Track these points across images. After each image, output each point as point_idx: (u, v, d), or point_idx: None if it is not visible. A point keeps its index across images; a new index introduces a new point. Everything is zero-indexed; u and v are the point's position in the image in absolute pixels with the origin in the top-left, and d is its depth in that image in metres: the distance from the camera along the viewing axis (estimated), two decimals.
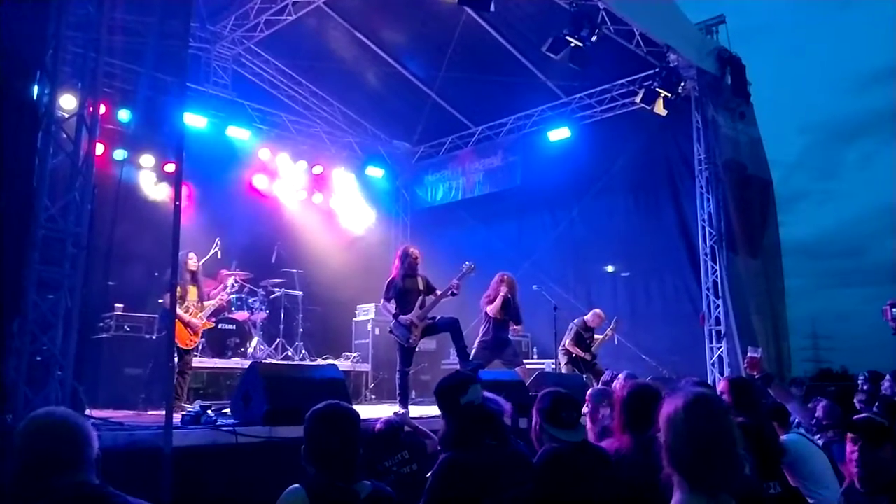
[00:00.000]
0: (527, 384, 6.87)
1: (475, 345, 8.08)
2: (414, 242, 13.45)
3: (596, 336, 9.08)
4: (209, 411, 5.72)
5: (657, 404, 3.27)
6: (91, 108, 4.34)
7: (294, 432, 4.41)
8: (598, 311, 9.19)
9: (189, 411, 4.77)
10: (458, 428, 2.61)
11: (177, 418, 4.63)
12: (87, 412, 4.45)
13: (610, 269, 10.72)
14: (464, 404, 2.61)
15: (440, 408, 2.75)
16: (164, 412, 5.12)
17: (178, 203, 4.24)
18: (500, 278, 8.15)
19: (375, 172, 13.18)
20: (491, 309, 7.91)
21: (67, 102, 4.54)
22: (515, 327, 8.30)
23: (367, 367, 9.97)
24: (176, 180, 4.33)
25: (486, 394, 4.29)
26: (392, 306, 7.18)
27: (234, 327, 8.84)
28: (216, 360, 8.38)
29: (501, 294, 7.91)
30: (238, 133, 11.07)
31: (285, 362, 8.54)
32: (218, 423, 4.52)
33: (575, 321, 9.14)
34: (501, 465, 2.49)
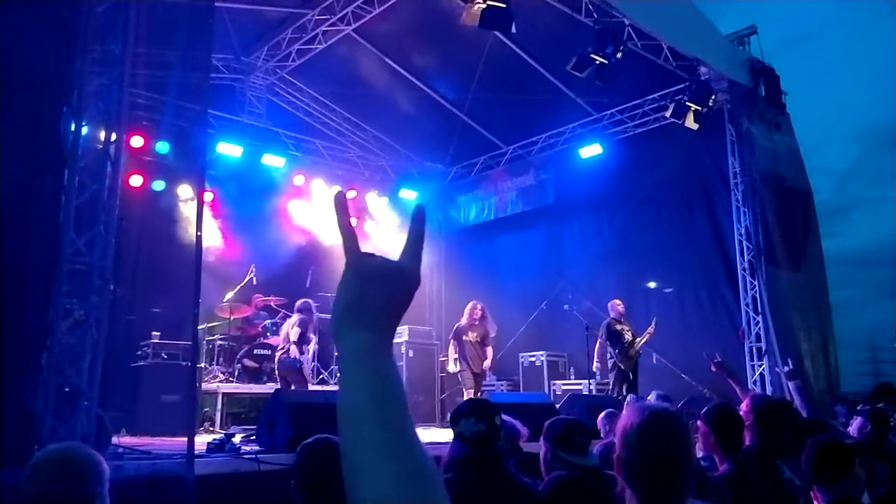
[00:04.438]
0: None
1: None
2: (448, 263, 13.55)
3: (629, 333, 8.86)
4: (240, 437, 5.80)
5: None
6: (115, 143, 4.47)
7: None
8: (614, 300, 9.06)
9: (214, 439, 4.82)
10: (454, 453, 2.61)
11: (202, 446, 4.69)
12: (115, 440, 4.54)
13: (652, 285, 10.51)
14: (456, 434, 2.62)
15: None
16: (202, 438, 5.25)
17: (199, 234, 4.32)
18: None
19: (409, 195, 13.25)
20: None
21: (93, 137, 4.69)
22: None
23: None
24: (198, 211, 4.42)
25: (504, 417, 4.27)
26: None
27: (270, 352, 8.93)
28: (251, 385, 8.47)
29: None
30: (273, 161, 11.27)
31: (317, 388, 8.52)
32: (241, 451, 4.56)
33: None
34: (497, 492, 2.46)
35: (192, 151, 9.80)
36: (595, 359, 8.77)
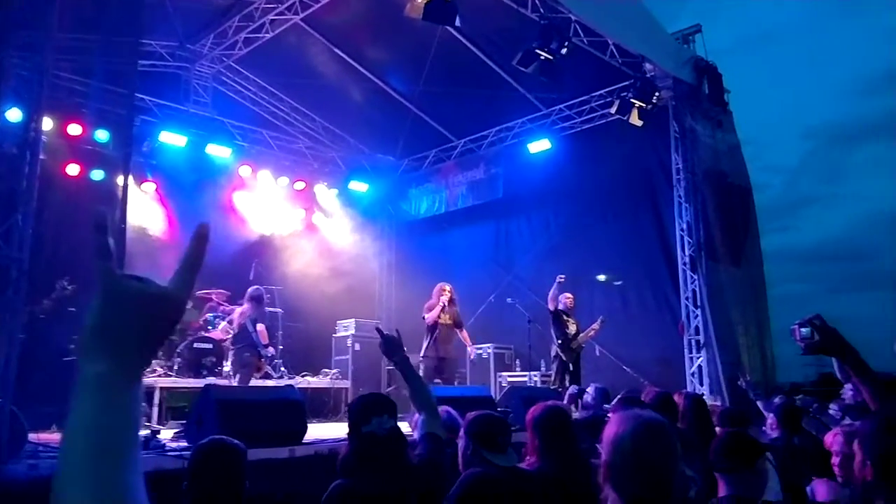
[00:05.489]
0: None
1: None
2: (398, 255, 13.52)
3: (573, 326, 8.98)
4: (172, 433, 5.70)
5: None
6: (34, 132, 4.31)
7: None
8: (565, 293, 9.11)
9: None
10: (354, 454, 2.50)
11: None
12: (34, 438, 4.40)
13: (602, 278, 10.62)
14: (364, 433, 2.45)
15: (347, 426, 2.64)
16: None
17: (123, 226, 4.21)
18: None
19: (359, 187, 13.16)
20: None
21: (12, 126, 4.52)
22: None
23: (347, 384, 9.89)
24: (122, 200, 4.30)
25: (448, 410, 4.26)
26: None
27: (211, 346, 8.78)
28: (190, 380, 8.30)
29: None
30: (218, 151, 11.04)
31: (251, 384, 8.18)
32: (166, 448, 4.47)
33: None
34: (398, 495, 2.40)
35: (133, 140, 9.55)
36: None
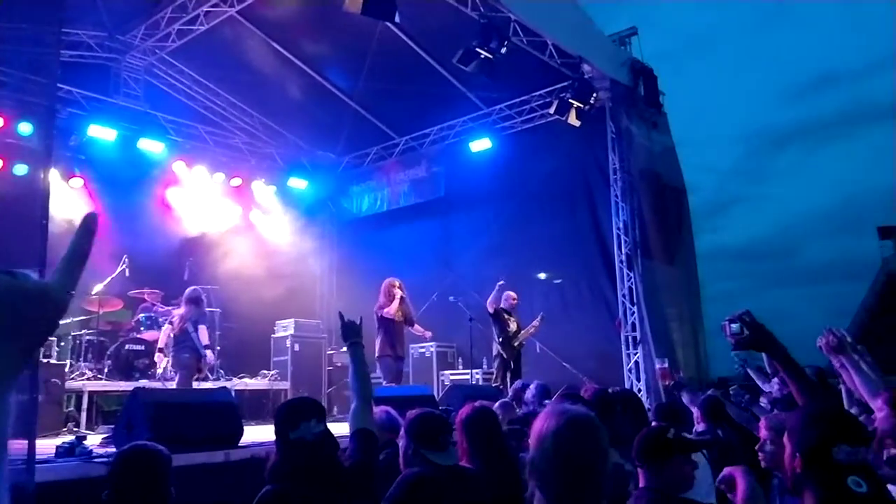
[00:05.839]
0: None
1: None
2: (340, 254, 13.37)
3: (514, 324, 9.02)
4: (101, 437, 5.48)
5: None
6: None
7: (177, 461, 4.20)
8: (508, 292, 9.11)
9: (64, 442, 4.50)
10: (284, 461, 2.42)
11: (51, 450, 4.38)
12: None
13: (542, 276, 10.72)
14: (293, 439, 2.34)
15: (274, 433, 2.56)
16: (51, 441, 4.90)
17: (45, 221, 4.01)
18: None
19: (298, 184, 12.94)
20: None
21: None
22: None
23: (286, 385, 9.71)
24: (43, 194, 4.10)
25: (388, 410, 4.22)
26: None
27: (143, 348, 8.47)
28: (121, 382, 8.00)
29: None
30: (150, 146, 10.67)
31: (173, 387, 7.77)
32: (93, 455, 4.28)
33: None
34: (328, 500, 2.34)
35: (59, 134, 9.14)
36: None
